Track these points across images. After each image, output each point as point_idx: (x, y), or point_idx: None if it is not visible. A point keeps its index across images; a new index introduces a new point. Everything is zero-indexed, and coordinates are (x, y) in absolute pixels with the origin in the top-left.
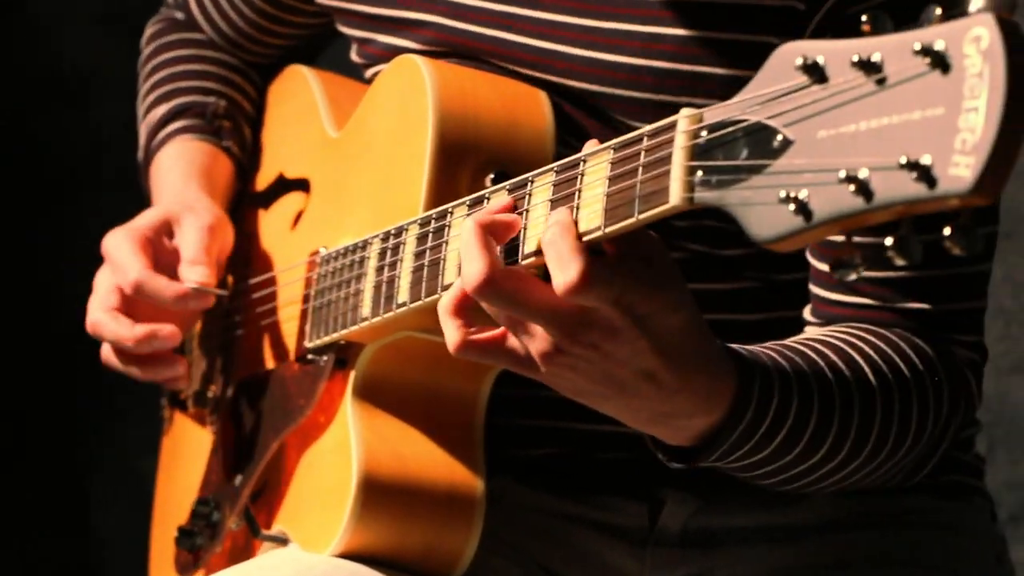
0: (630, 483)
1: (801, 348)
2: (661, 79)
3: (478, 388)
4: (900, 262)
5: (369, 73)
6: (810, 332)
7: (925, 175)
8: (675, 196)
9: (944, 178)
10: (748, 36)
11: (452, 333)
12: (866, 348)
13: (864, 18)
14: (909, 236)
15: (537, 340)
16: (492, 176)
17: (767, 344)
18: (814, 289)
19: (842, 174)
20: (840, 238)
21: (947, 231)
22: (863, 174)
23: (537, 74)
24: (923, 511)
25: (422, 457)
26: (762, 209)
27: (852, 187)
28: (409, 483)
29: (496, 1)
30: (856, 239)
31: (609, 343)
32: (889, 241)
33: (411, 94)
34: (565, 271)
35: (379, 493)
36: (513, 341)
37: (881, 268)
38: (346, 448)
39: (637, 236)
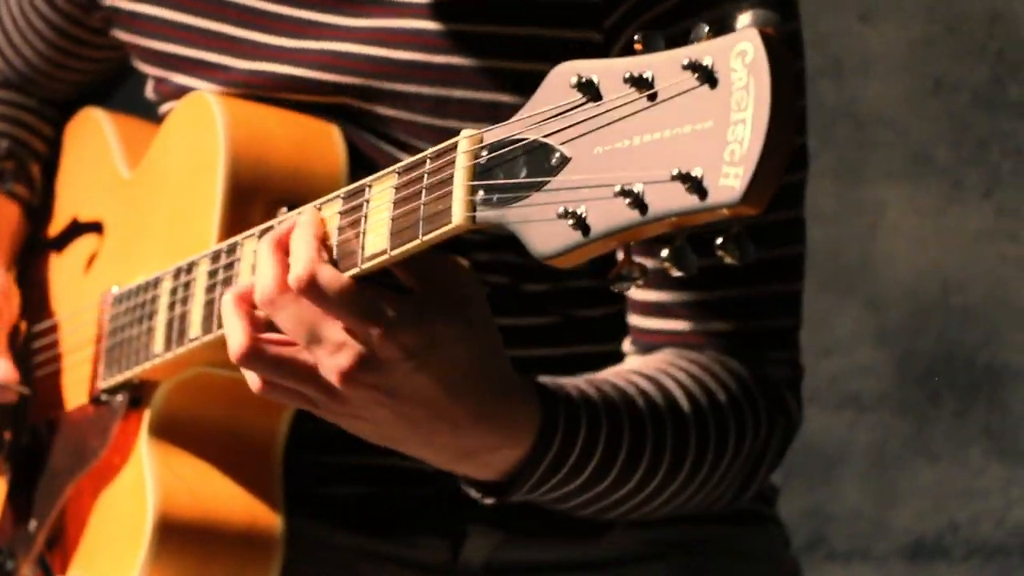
0: (432, 518)
1: (611, 379)
2: (463, 108)
3: (276, 425)
4: (676, 273)
5: (163, 110)
6: (627, 363)
7: (697, 187)
8: (457, 216)
9: (715, 189)
10: (548, 67)
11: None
12: (678, 374)
13: (636, 37)
14: (684, 248)
15: (324, 392)
16: (284, 210)
17: (576, 377)
18: (631, 319)
19: (617, 188)
20: (621, 253)
21: (719, 240)
22: (637, 188)
23: (333, 101)
24: (718, 540)
25: (220, 496)
26: (542, 225)
27: (627, 200)
28: (207, 523)
29: (288, 37)
30: (635, 256)
31: (386, 381)
32: (664, 253)
33: (203, 132)
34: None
35: (176, 533)
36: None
37: (685, 287)
38: (141, 488)
39: (423, 265)
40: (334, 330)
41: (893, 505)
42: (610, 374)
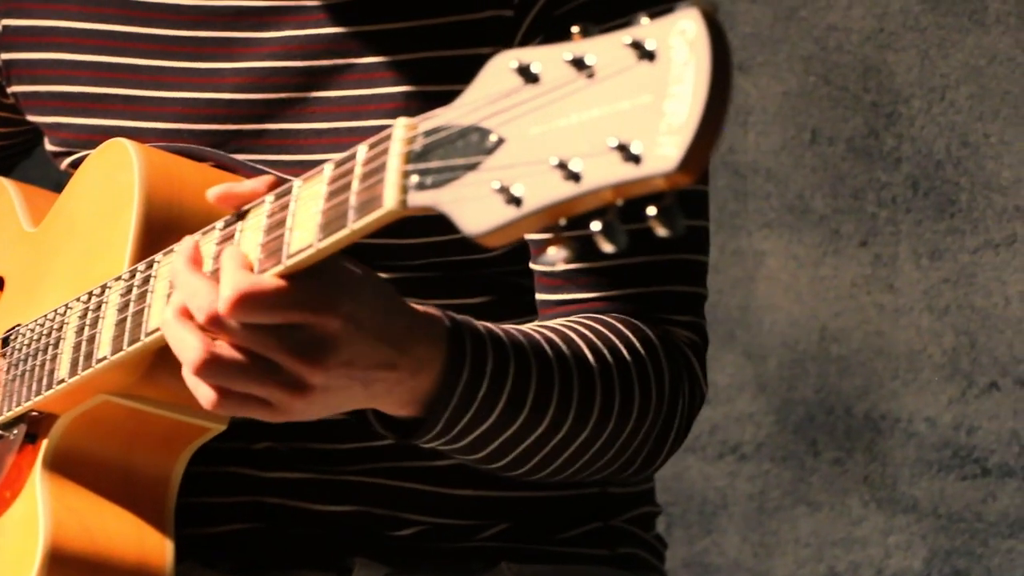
0: (318, 554)
1: (517, 327)
2: (390, 102)
3: (172, 464)
4: (607, 247)
5: (65, 163)
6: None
7: (632, 157)
8: (389, 200)
9: (651, 158)
10: (462, 51)
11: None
12: (582, 330)
13: (575, 29)
14: (614, 222)
15: (288, 390)
16: None
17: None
18: (539, 295)
19: (553, 161)
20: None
21: (652, 211)
22: (573, 160)
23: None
24: None
25: (112, 532)
26: (475, 204)
27: (562, 173)
28: (98, 558)
29: (198, 60)
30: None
31: (349, 354)
32: (596, 227)
33: (118, 172)
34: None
35: (65, 566)
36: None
37: (590, 257)
38: (33, 521)
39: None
40: (285, 332)
41: (773, 554)
42: (513, 326)
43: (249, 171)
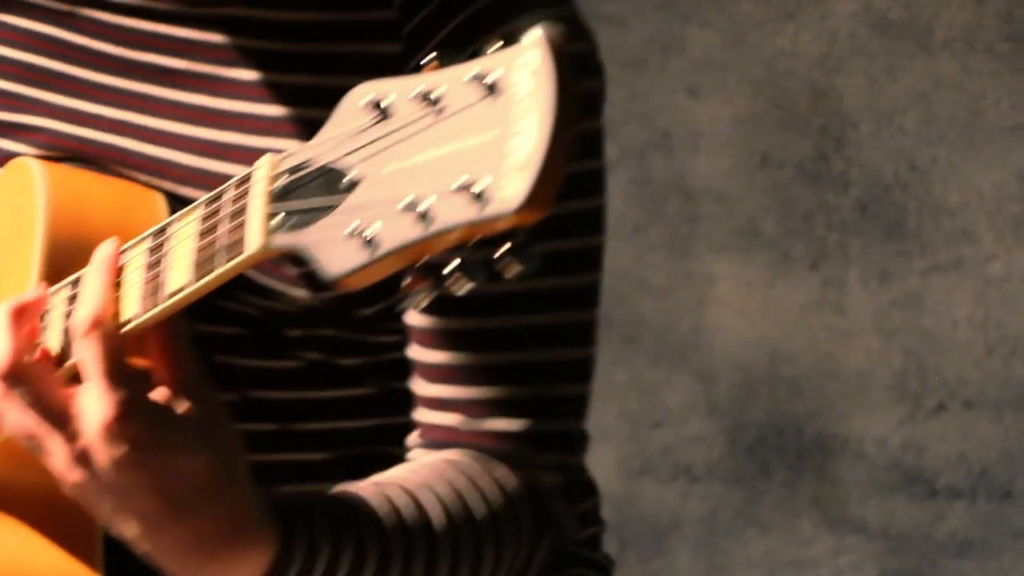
0: None
1: (365, 493)
2: (283, 124)
3: None
4: (463, 286)
5: None
6: (395, 470)
7: (480, 197)
8: (253, 243)
9: (497, 198)
10: (355, 80)
11: None
12: (438, 485)
13: (431, 58)
14: (471, 259)
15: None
16: None
17: (334, 491)
18: (415, 416)
19: (404, 204)
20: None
21: (504, 249)
22: (423, 202)
23: (153, 181)
24: None
25: (40, 565)
26: (333, 247)
27: (413, 215)
28: None
29: (112, 107)
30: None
31: (108, 471)
32: (452, 267)
33: (22, 196)
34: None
35: None
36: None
37: (445, 304)
38: None
39: (183, 366)
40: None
41: (725, 575)
42: (371, 484)
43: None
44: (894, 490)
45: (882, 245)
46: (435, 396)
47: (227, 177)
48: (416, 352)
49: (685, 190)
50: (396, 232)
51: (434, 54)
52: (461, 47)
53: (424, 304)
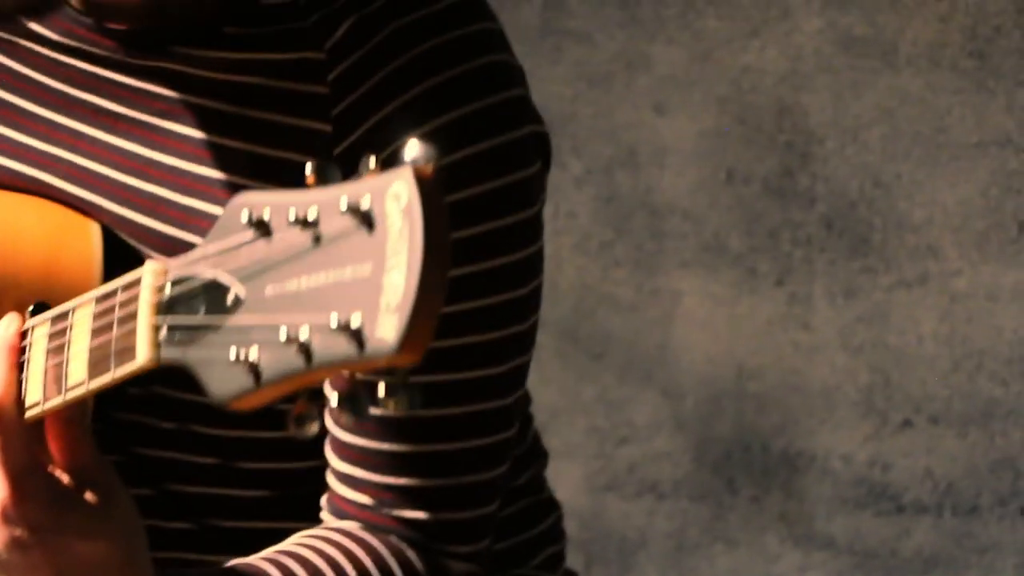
0: None
1: (265, 567)
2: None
3: None
4: (346, 420)
5: None
6: (299, 538)
7: (356, 335)
8: (142, 354)
9: (371, 339)
10: (285, 154)
11: None
12: (344, 563)
13: (309, 169)
14: (358, 393)
15: None
16: (31, 309)
17: (233, 563)
18: (328, 479)
19: (285, 334)
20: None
21: (383, 389)
22: (303, 334)
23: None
24: None
25: None
26: (218, 368)
27: (294, 347)
28: None
29: (44, 141)
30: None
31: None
32: (335, 399)
33: None
34: None
35: None
36: None
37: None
38: None
39: (82, 451)
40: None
41: None
42: (271, 555)
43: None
44: (860, 506)
45: (848, 261)
46: (346, 473)
47: (150, 230)
48: (329, 424)
49: (651, 206)
50: (278, 362)
51: (310, 168)
52: (375, 148)
53: (314, 430)
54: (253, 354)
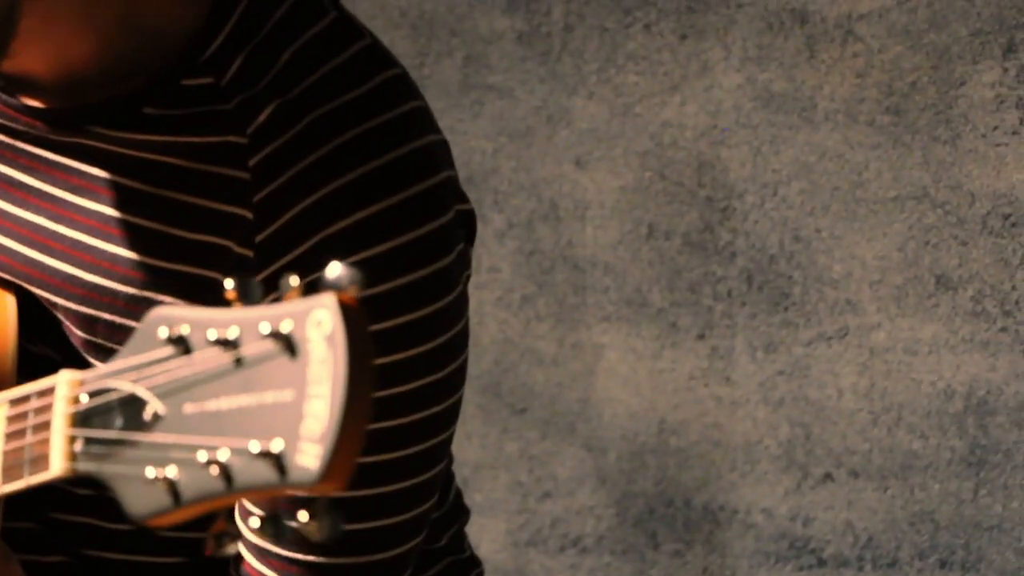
0: None
1: None
2: (125, 304)
3: None
4: (264, 543)
5: None
6: None
7: (277, 462)
8: (56, 465)
9: (293, 467)
10: (204, 237)
11: None
12: None
13: (231, 286)
14: (277, 517)
15: None
16: None
17: None
18: (240, 547)
19: (204, 456)
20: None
21: (303, 517)
22: (223, 456)
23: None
24: None
25: None
26: (135, 485)
27: (214, 469)
28: None
29: None
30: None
31: None
32: (256, 523)
33: None
34: None
35: None
36: None
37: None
38: None
39: None
40: None
41: None
42: None
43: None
44: (782, 560)
45: (768, 315)
46: (255, 543)
47: (57, 305)
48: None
49: (573, 260)
50: (197, 483)
51: (231, 283)
52: (297, 239)
53: (233, 550)
54: (171, 473)
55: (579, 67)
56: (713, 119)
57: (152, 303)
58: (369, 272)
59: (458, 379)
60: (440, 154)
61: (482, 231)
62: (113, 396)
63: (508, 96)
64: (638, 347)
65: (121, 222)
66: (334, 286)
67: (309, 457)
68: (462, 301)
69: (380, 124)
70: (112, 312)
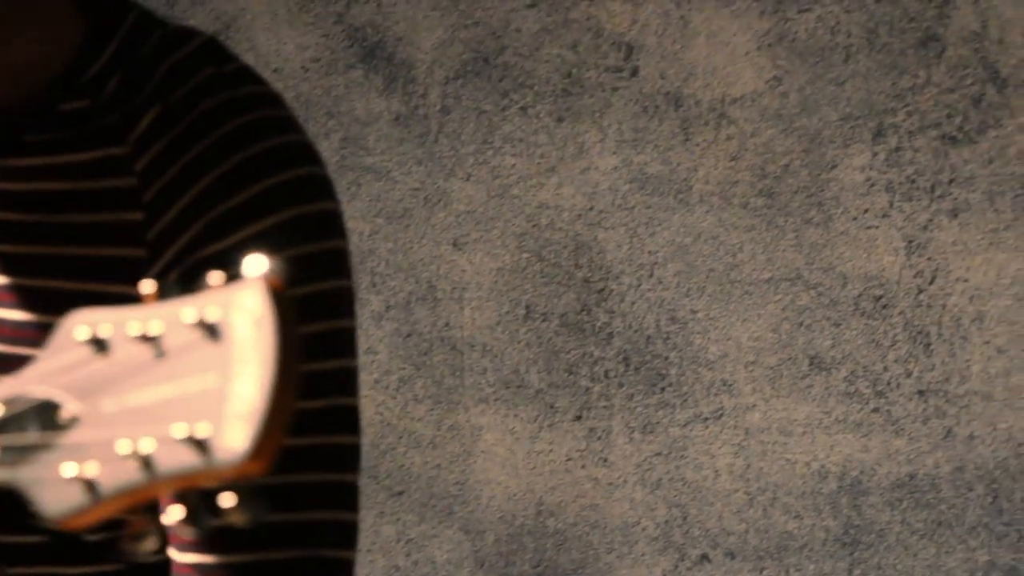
0: None
1: None
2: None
3: None
4: (188, 534)
5: None
6: None
7: (202, 446)
8: None
9: (220, 448)
10: (96, 286)
11: None
12: None
13: (151, 288)
14: (198, 508)
15: None
16: None
17: None
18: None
19: (126, 448)
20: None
21: (228, 502)
22: (144, 446)
23: None
24: None
25: None
26: (51, 487)
27: (134, 460)
28: None
29: None
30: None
31: None
32: (180, 514)
33: None
34: None
35: None
36: None
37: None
38: None
39: None
40: None
41: None
42: None
43: None
44: None
45: (645, 396)
46: (182, 550)
47: None
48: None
49: (450, 342)
50: (116, 476)
51: (151, 287)
52: (186, 226)
53: (151, 547)
54: (90, 470)
55: (456, 149)
56: (590, 201)
57: (49, 292)
58: (260, 246)
59: (356, 383)
60: (317, 154)
61: (360, 313)
62: (26, 402)
63: (385, 178)
64: (516, 428)
65: (13, 256)
66: (261, 275)
67: (236, 437)
68: (354, 295)
69: (260, 117)
70: (24, 345)
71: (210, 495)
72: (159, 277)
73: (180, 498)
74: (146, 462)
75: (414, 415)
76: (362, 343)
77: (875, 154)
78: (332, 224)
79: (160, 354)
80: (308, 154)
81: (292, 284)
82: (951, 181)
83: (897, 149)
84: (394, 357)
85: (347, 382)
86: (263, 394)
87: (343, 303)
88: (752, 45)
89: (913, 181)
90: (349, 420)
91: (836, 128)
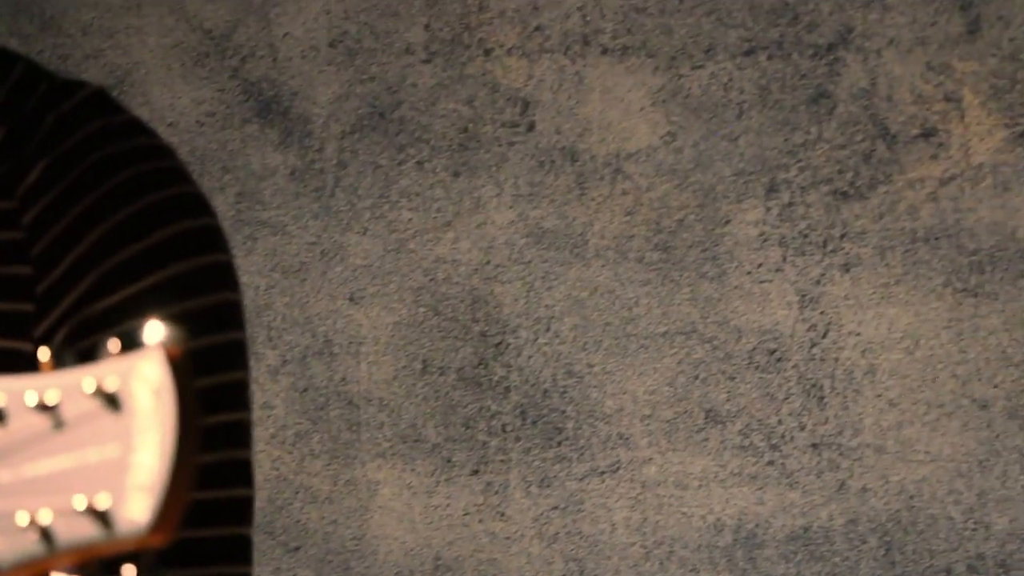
0: None
1: None
2: None
3: None
4: None
5: None
6: None
7: (103, 517)
8: None
9: (121, 520)
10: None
11: None
12: None
13: (45, 356)
14: None
15: None
16: None
17: None
18: None
19: (23, 519)
20: None
21: (130, 573)
22: (44, 518)
23: None
24: None
25: None
26: None
27: (34, 532)
28: None
29: None
30: None
31: None
32: None
33: None
34: None
35: None
36: None
37: None
38: None
39: None
40: None
41: None
42: None
43: None
44: None
45: (542, 450)
46: None
47: None
48: None
49: (347, 396)
50: (17, 548)
51: (47, 354)
52: (91, 337)
53: None
54: None
55: (353, 203)
56: (486, 255)
57: None
58: (152, 301)
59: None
60: (209, 205)
61: (255, 368)
62: None
63: (281, 232)
64: (413, 483)
65: None
66: (159, 344)
67: (138, 508)
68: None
69: (151, 169)
70: None
71: (111, 565)
72: (50, 331)
73: (80, 569)
74: (45, 534)
75: (310, 470)
76: (258, 398)
77: (768, 209)
78: (224, 275)
79: (58, 424)
80: (199, 205)
81: (185, 337)
82: (843, 236)
83: (790, 204)
84: (290, 412)
85: (241, 435)
86: (164, 464)
87: (236, 355)
88: (647, 101)
89: (806, 236)
90: (243, 473)
91: (730, 183)
